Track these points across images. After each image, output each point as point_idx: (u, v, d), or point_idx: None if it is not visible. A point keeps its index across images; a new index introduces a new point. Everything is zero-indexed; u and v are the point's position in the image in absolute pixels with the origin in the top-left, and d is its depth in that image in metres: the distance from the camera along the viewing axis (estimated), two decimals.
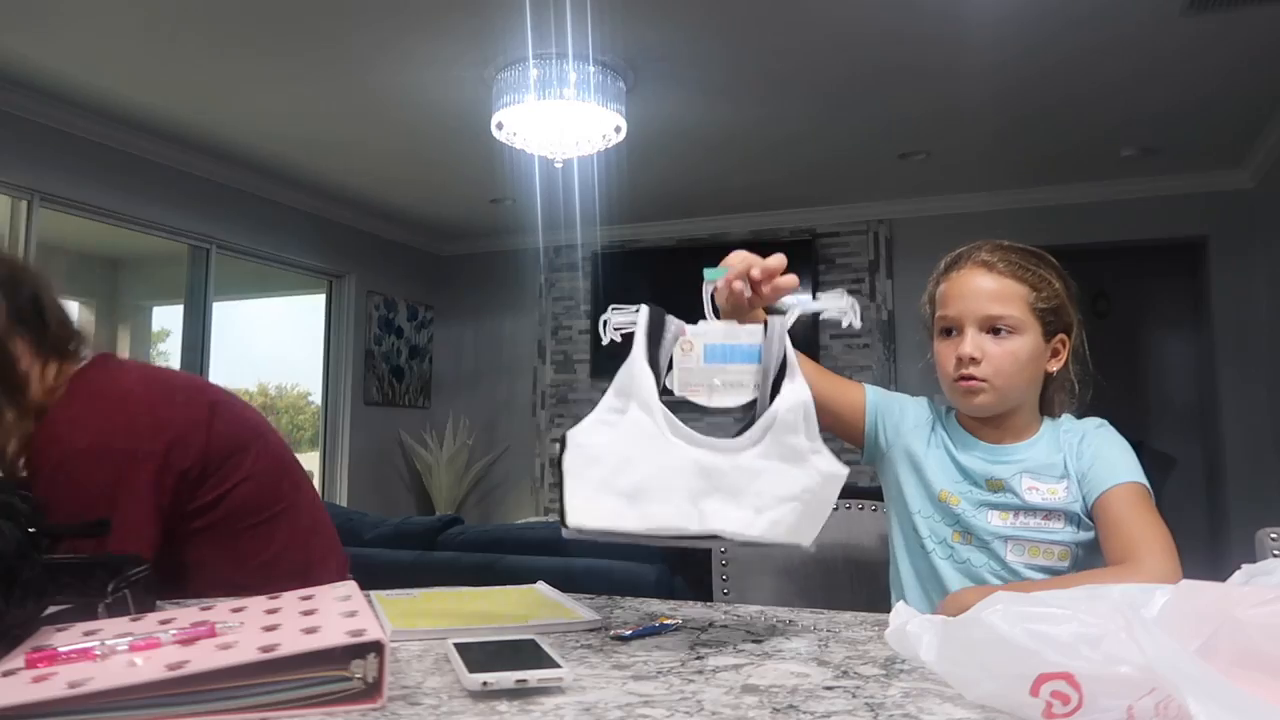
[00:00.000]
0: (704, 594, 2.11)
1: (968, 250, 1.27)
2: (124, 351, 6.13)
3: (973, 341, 1.20)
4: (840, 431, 1.31)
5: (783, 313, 0.91)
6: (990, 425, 1.26)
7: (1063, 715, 0.55)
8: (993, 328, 1.20)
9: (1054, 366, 1.24)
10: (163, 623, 0.73)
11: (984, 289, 1.21)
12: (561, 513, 0.79)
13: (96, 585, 0.86)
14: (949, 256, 1.29)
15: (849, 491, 1.63)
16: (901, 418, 1.31)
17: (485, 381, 6.68)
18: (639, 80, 3.78)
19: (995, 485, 1.21)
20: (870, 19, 3.26)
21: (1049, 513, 1.18)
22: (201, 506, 1.27)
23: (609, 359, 6.77)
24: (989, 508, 1.20)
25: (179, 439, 1.24)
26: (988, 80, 3.79)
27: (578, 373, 6.38)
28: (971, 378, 1.20)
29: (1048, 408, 1.28)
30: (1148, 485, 1.16)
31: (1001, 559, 1.18)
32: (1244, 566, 0.73)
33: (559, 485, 0.80)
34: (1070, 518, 1.18)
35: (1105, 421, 1.26)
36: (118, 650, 0.64)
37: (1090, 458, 1.20)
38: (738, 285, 0.93)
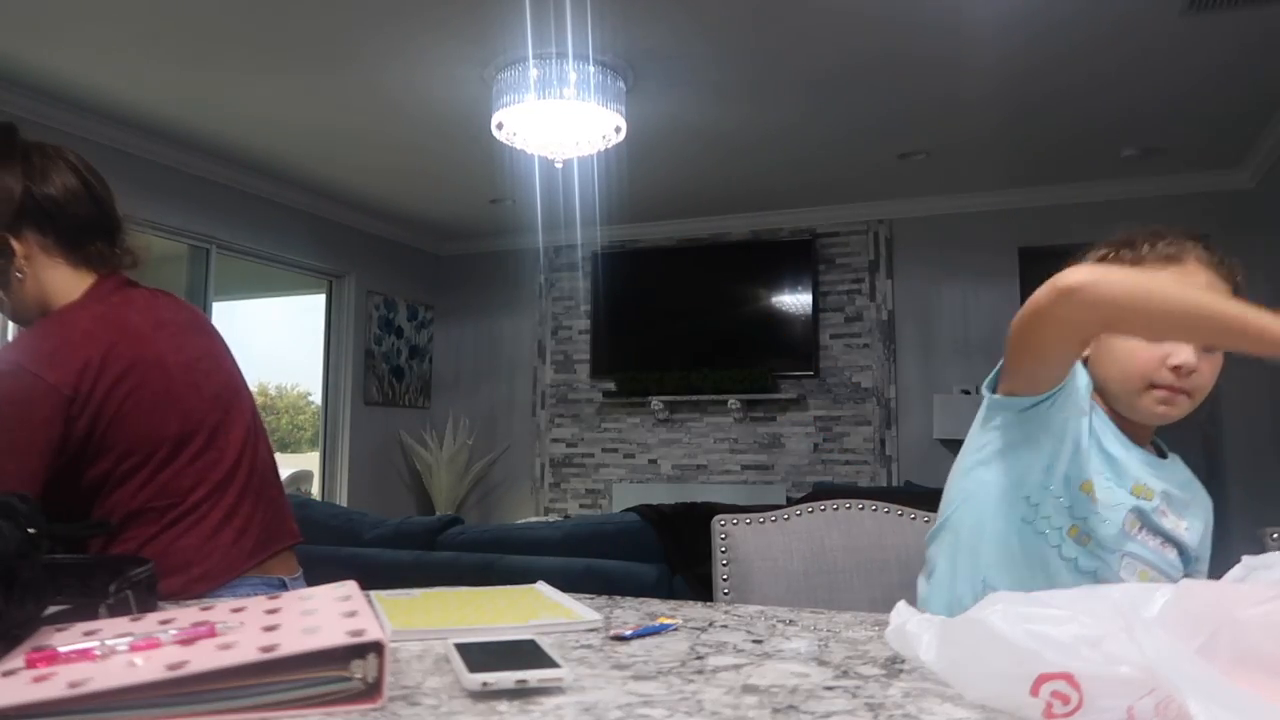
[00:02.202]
0: (704, 594, 2.11)
1: (1176, 238, 1.14)
2: None
3: (1195, 351, 1.08)
4: (1041, 368, 1.06)
5: None
6: (1140, 431, 1.16)
7: (1063, 715, 0.55)
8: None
9: None
10: (163, 623, 0.73)
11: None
12: None
13: (98, 586, 0.86)
14: (1161, 245, 1.15)
15: (849, 492, 1.61)
16: (1078, 386, 1.11)
17: (485, 381, 6.69)
18: (639, 80, 3.78)
19: (1142, 491, 1.11)
20: (871, 21, 3.26)
21: (1167, 540, 1.12)
22: (96, 479, 1.21)
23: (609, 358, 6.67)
24: (1126, 510, 1.10)
25: (78, 386, 1.17)
26: (988, 80, 3.79)
27: (578, 373, 6.38)
28: (1179, 389, 1.08)
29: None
30: None
31: (1115, 571, 1.09)
32: (1244, 559, 0.73)
33: None
34: (1184, 552, 1.12)
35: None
36: (118, 650, 0.64)
37: (1204, 520, 1.15)
38: None
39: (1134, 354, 1.10)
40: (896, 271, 5.68)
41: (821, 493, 2.40)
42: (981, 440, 1.15)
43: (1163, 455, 1.21)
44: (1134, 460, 1.13)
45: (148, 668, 0.60)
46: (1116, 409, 1.15)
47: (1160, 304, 0.91)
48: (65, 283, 1.28)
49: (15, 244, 1.25)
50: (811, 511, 1.47)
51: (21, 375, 1.16)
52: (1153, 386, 1.09)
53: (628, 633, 0.84)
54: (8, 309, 1.31)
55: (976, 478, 1.15)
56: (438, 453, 6.31)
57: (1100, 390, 1.17)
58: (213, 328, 1.47)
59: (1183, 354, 1.07)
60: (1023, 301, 1.16)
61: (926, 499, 1.54)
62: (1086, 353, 1.17)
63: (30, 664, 0.63)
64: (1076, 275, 0.93)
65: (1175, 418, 1.11)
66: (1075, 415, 1.09)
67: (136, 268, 1.37)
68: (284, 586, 1.35)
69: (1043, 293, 0.95)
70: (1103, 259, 1.19)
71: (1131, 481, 1.12)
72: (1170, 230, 1.16)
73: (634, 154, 4.54)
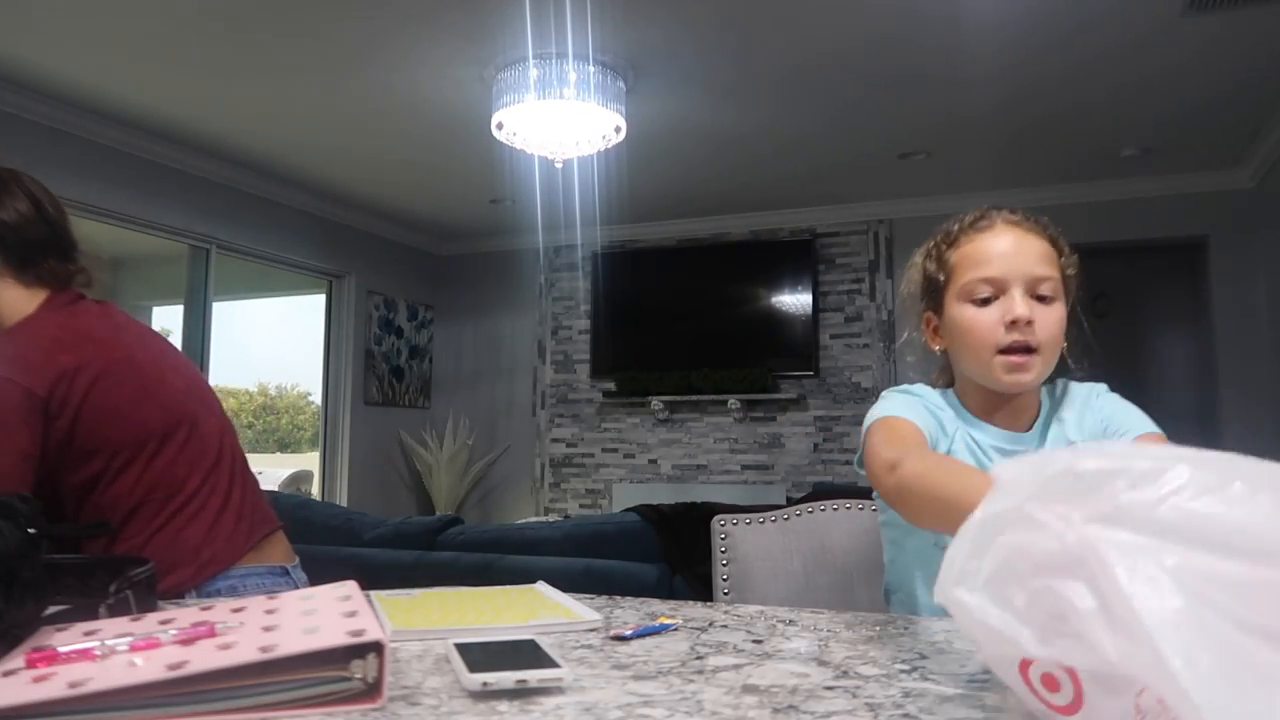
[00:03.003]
0: (704, 594, 2.11)
1: (984, 211, 1.16)
2: None
3: (1025, 303, 1.06)
4: None
5: None
6: (1005, 409, 1.14)
7: (1061, 708, 0.49)
8: (1037, 293, 1.08)
9: (1064, 342, 1.13)
10: (163, 623, 0.73)
11: (1028, 248, 1.09)
12: None
13: (97, 586, 0.86)
14: (962, 218, 1.18)
15: (849, 492, 1.61)
16: (939, 428, 1.13)
17: (485, 381, 6.69)
18: (639, 80, 3.78)
19: None
20: (871, 19, 3.26)
21: None
22: (88, 480, 1.24)
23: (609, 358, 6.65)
24: None
25: (53, 390, 1.20)
26: (988, 81, 3.79)
27: (578, 373, 6.38)
28: (1026, 346, 1.06)
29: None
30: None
31: None
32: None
33: None
34: None
35: (1104, 386, 1.18)
36: (118, 650, 0.64)
37: (1101, 420, 1.12)
38: None
39: (974, 325, 1.10)
40: (896, 271, 5.67)
41: (821, 493, 2.40)
42: (880, 504, 1.23)
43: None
44: (1007, 456, 1.12)
45: (148, 668, 0.60)
46: (982, 384, 1.13)
47: (931, 490, 0.88)
48: (16, 300, 1.31)
49: None
50: (811, 511, 1.47)
51: None
52: (999, 352, 1.08)
53: (628, 633, 0.84)
54: None
55: (888, 537, 1.23)
56: (438, 453, 6.31)
57: (960, 373, 1.18)
58: (158, 333, 1.52)
59: (1016, 308, 1.06)
60: None
61: None
62: (940, 346, 1.19)
63: (30, 664, 0.63)
64: (896, 476, 0.93)
65: (1031, 380, 1.08)
66: (951, 448, 1.13)
67: (90, 286, 1.41)
68: (286, 574, 1.39)
69: (881, 482, 0.98)
70: (928, 251, 1.22)
71: None
72: (982, 210, 1.18)
73: (634, 154, 4.54)
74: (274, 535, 1.43)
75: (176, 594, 1.25)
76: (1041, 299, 1.08)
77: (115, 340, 1.32)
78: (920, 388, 1.20)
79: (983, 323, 1.09)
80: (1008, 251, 1.10)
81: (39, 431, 1.19)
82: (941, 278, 1.16)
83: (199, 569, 1.27)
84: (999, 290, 1.09)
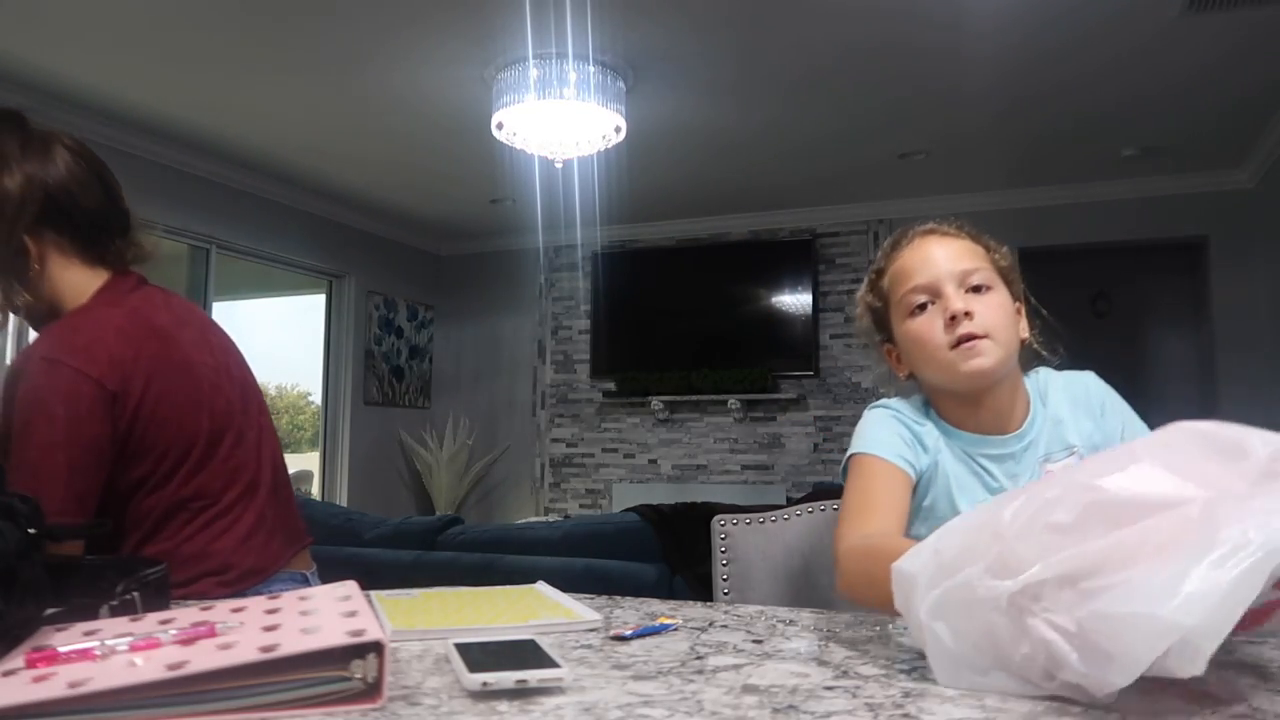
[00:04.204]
0: (704, 594, 2.11)
1: (904, 230, 1.21)
2: None
3: (960, 297, 1.10)
4: None
5: None
6: (985, 413, 1.14)
7: None
8: (971, 285, 1.11)
9: (1025, 332, 1.16)
10: (163, 623, 0.73)
11: (949, 248, 1.14)
12: None
13: (106, 586, 0.85)
14: (886, 243, 1.23)
15: None
16: (918, 444, 1.15)
17: (485, 381, 6.69)
18: (639, 80, 3.78)
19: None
20: (871, 19, 3.26)
21: None
22: (137, 480, 1.20)
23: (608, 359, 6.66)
24: None
25: (119, 383, 1.16)
26: (988, 81, 3.79)
27: (578, 373, 6.38)
28: (973, 335, 1.08)
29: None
30: None
31: None
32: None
33: None
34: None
35: (1093, 375, 1.19)
36: (118, 650, 0.64)
37: (1105, 436, 1.12)
38: None
39: (920, 334, 1.12)
40: None
41: (821, 493, 2.40)
42: None
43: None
44: (995, 463, 1.13)
45: (148, 668, 0.60)
46: (952, 389, 1.14)
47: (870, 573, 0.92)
48: (80, 282, 1.25)
49: (31, 243, 1.22)
50: (811, 511, 1.47)
51: (61, 369, 1.14)
52: (952, 346, 1.09)
53: (628, 633, 0.84)
54: (22, 309, 1.28)
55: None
56: (438, 453, 6.31)
57: (930, 387, 1.18)
58: (221, 327, 1.46)
59: (952, 304, 1.09)
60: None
61: None
62: (906, 373, 1.21)
63: (30, 664, 0.63)
64: (840, 569, 0.99)
65: (992, 366, 1.09)
66: (939, 462, 1.14)
67: (144, 262, 1.34)
68: (307, 581, 1.38)
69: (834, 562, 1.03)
70: (866, 288, 1.26)
71: (1010, 482, 1.13)
72: (899, 231, 1.23)
73: (634, 154, 4.54)
74: (304, 549, 1.40)
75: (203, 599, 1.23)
76: (976, 289, 1.11)
77: (177, 337, 1.26)
78: (896, 402, 1.21)
79: (927, 328, 1.12)
80: (930, 256, 1.14)
81: (108, 426, 1.15)
82: (881, 304, 1.21)
83: (223, 583, 1.24)
84: (933, 294, 1.12)
